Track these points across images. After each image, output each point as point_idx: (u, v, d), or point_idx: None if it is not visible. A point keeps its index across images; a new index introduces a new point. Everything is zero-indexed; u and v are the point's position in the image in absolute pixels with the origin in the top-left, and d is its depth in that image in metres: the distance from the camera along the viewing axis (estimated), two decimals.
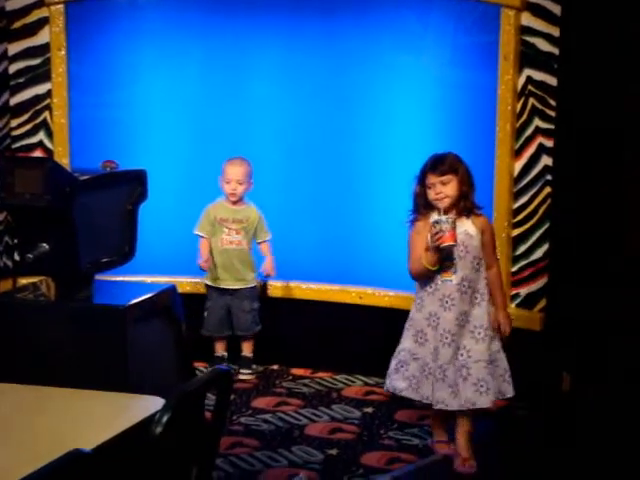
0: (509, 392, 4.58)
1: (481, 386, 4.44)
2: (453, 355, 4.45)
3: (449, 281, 4.46)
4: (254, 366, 5.90)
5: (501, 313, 4.56)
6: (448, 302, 4.46)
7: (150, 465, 2.58)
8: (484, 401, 4.46)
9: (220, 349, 5.93)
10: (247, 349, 5.94)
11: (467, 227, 4.47)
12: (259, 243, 5.88)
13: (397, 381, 4.59)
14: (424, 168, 4.51)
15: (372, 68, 5.90)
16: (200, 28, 6.05)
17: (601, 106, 4.95)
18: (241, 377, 5.81)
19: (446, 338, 4.45)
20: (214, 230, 5.80)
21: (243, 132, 6.06)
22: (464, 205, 4.47)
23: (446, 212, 4.40)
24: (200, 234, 5.80)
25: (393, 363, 4.62)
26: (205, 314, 5.88)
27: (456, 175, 4.43)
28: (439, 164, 4.46)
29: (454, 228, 4.30)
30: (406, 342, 4.60)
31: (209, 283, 5.87)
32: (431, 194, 4.45)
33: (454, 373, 4.44)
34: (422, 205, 4.53)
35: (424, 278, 4.51)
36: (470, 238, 4.45)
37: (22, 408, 3.05)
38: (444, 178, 4.42)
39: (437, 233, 4.28)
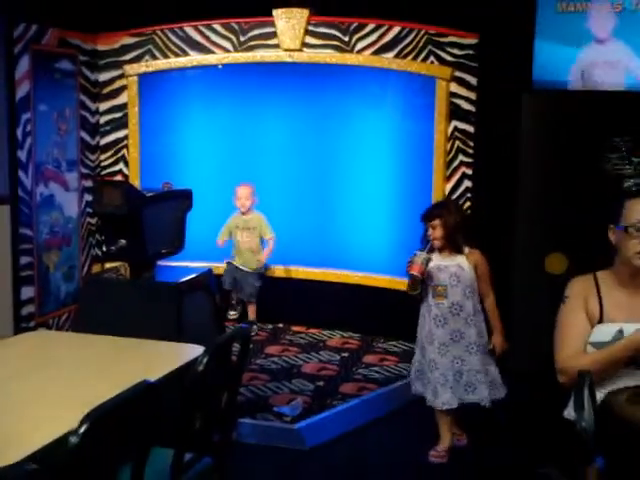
0: (501, 394, 3.99)
1: (469, 386, 3.93)
2: (450, 364, 3.94)
3: (442, 304, 3.95)
4: (255, 327, 5.80)
5: (498, 338, 4.01)
6: (441, 321, 3.95)
7: (194, 392, 2.61)
8: (471, 398, 3.94)
9: (252, 314, 5.88)
10: (251, 313, 5.88)
11: (460, 261, 3.96)
12: (267, 240, 5.85)
13: (416, 386, 4.12)
14: None
15: (346, 118, 5.89)
16: (229, 89, 6.03)
17: (504, 146, 4.99)
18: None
19: (442, 350, 3.95)
20: (232, 232, 5.83)
21: (257, 161, 6.04)
22: (453, 244, 3.95)
23: (440, 250, 3.96)
24: (218, 240, 5.83)
25: (412, 370, 4.16)
26: (222, 276, 5.80)
27: (440, 220, 3.92)
28: (427, 212, 4.01)
29: (423, 263, 3.84)
30: (416, 355, 4.15)
31: (231, 261, 5.86)
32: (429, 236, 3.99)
33: (453, 377, 3.94)
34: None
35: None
36: (462, 271, 3.94)
37: (105, 352, 3.05)
38: (432, 223, 3.94)
39: (409, 263, 3.87)
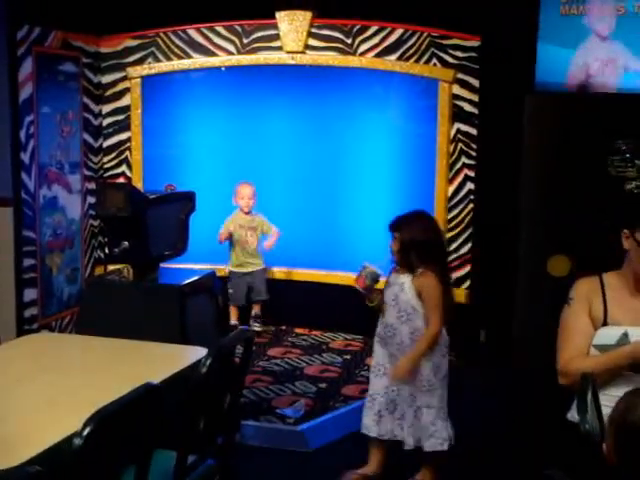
0: (432, 446, 3.50)
1: (401, 420, 3.55)
2: (382, 389, 3.57)
3: (382, 323, 3.60)
4: (260, 320, 5.83)
5: (403, 359, 3.47)
6: (379, 340, 3.62)
7: (198, 394, 2.61)
8: (399, 435, 3.55)
9: (234, 317, 5.83)
10: (257, 308, 5.85)
11: (405, 281, 3.50)
12: (271, 233, 5.83)
13: None
14: None
15: (349, 120, 5.87)
16: (232, 91, 6.02)
17: (507, 148, 4.98)
18: (254, 329, 5.71)
19: (378, 370, 3.60)
20: (236, 233, 5.79)
21: (260, 163, 6.03)
22: (405, 261, 3.50)
23: (399, 265, 3.56)
24: (220, 237, 5.81)
25: None
26: (230, 292, 5.77)
27: (399, 234, 3.51)
28: (391, 221, 3.58)
29: (367, 277, 3.53)
30: None
31: (233, 269, 5.83)
32: None
33: (385, 406, 3.57)
34: None
35: None
36: (402, 292, 3.49)
37: (108, 354, 3.05)
38: (394, 234, 3.53)
39: (357, 274, 3.60)
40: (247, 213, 5.82)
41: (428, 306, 3.46)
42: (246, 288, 5.82)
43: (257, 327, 5.80)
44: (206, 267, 4.77)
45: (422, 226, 3.55)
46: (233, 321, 5.84)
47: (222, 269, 5.79)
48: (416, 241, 3.46)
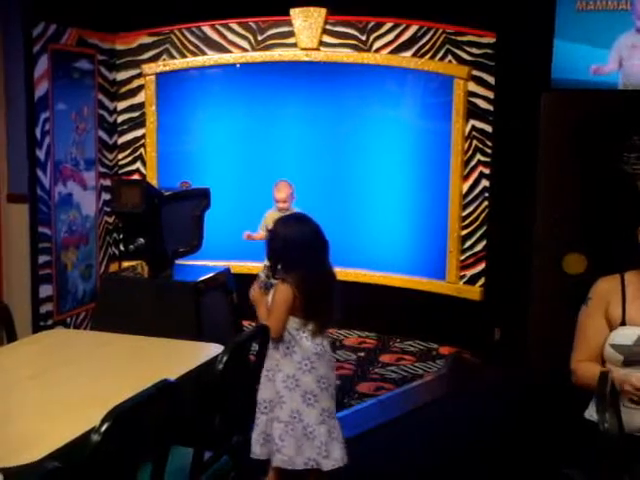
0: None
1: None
2: (261, 403, 3.21)
3: None
4: None
5: (256, 292, 3.24)
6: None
7: (213, 391, 2.62)
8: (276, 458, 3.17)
9: None
10: None
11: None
12: None
13: None
14: None
15: (363, 117, 5.87)
16: (246, 88, 6.02)
17: (522, 145, 4.97)
18: None
19: (264, 378, 3.21)
20: (269, 228, 5.81)
21: (274, 160, 6.03)
22: (274, 268, 3.24)
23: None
24: (259, 231, 5.76)
25: None
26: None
27: (272, 235, 3.29)
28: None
29: (261, 284, 3.25)
30: None
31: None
32: None
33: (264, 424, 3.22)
34: None
35: None
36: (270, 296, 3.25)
37: (124, 350, 3.04)
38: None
39: (253, 286, 3.31)
40: (284, 210, 5.80)
41: (271, 307, 3.20)
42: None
43: None
44: (221, 264, 4.78)
45: (286, 232, 3.26)
46: None
47: (237, 265, 5.78)
48: (280, 248, 3.22)
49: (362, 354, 5.33)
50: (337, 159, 5.98)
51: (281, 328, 3.18)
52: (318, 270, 3.24)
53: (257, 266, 5.76)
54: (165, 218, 4.13)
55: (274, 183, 5.77)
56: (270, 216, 5.80)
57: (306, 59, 5.67)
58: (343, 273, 5.85)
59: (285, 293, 3.16)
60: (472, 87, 5.27)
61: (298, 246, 3.22)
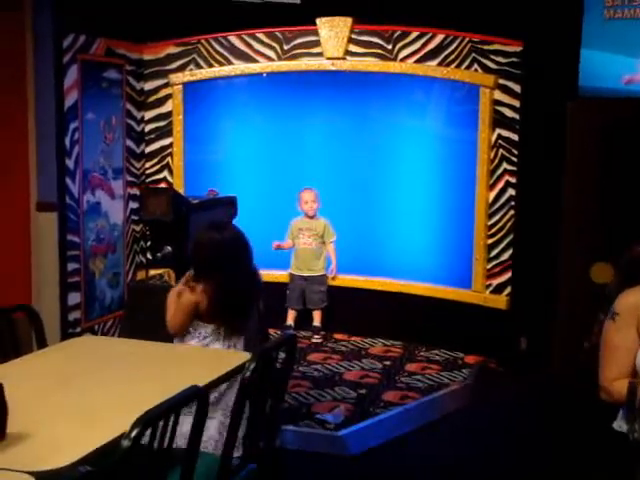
0: None
1: None
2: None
3: None
4: (322, 332, 5.83)
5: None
6: None
7: (242, 396, 2.63)
8: None
9: (290, 319, 5.89)
10: (317, 320, 5.86)
11: None
12: (327, 243, 5.87)
13: None
14: None
15: (389, 126, 5.87)
16: (272, 97, 6.06)
17: (549, 154, 4.95)
18: (314, 340, 5.74)
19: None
20: (295, 236, 5.87)
21: (300, 168, 6.05)
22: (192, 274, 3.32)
23: None
24: (287, 239, 5.90)
25: None
26: (287, 292, 5.87)
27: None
28: None
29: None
30: None
31: (292, 272, 5.90)
32: None
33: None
34: None
35: None
36: None
37: (152, 357, 3.06)
38: None
39: None
40: (311, 217, 5.85)
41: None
42: (301, 292, 5.86)
43: (316, 339, 5.78)
44: None
45: (197, 240, 3.32)
46: (289, 322, 5.88)
47: (264, 274, 5.76)
48: (190, 255, 3.32)
49: (388, 363, 5.33)
50: (363, 168, 5.99)
51: (177, 326, 3.25)
52: (234, 276, 3.24)
53: (283, 274, 5.91)
54: (193, 226, 4.16)
55: (299, 191, 5.83)
56: (296, 224, 5.87)
57: (332, 68, 5.70)
58: (368, 282, 5.92)
59: (184, 298, 3.22)
60: (498, 96, 5.26)
61: (208, 254, 3.24)
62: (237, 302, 3.28)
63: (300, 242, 5.87)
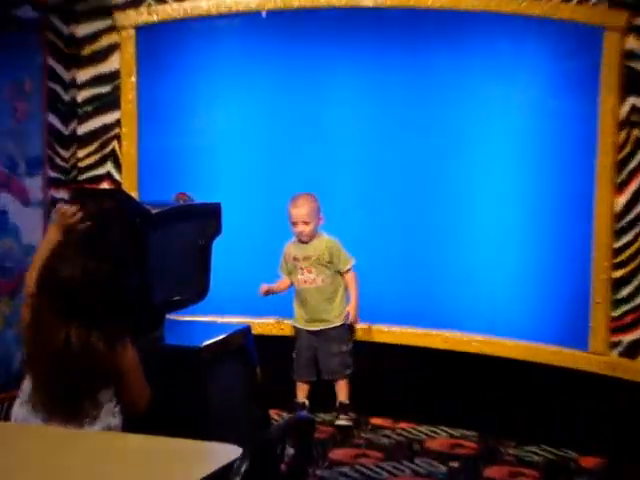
0: None
1: None
2: None
3: None
4: (351, 414, 5.85)
5: None
6: None
7: None
8: None
9: (302, 395, 5.92)
10: (342, 394, 5.89)
11: None
12: (342, 274, 5.87)
13: None
14: None
15: (456, 94, 5.92)
16: (275, 50, 6.13)
17: None
18: (338, 423, 5.79)
19: None
20: (290, 269, 5.87)
21: (316, 163, 6.12)
22: None
23: None
24: (281, 274, 5.90)
25: None
26: (294, 355, 5.92)
27: None
28: None
29: None
30: None
31: (296, 324, 5.94)
32: None
33: None
34: None
35: None
36: None
37: (91, 455, 2.99)
38: None
39: None
40: (304, 242, 5.81)
41: None
42: (312, 355, 5.90)
43: (343, 421, 5.82)
44: (238, 320, 4.81)
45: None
46: (300, 398, 5.93)
47: (259, 324, 5.79)
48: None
49: (455, 464, 5.32)
50: (412, 162, 6.04)
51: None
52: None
53: (287, 323, 5.90)
54: (153, 249, 4.16)
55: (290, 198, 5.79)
56: (289, 251, 5.84)
57: (369, 4, 5.71)
58: (422, 335, 5.89)
59: None
60: (633, 44, 5.24)
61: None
62: None
63: (299, 279, 5.87)
